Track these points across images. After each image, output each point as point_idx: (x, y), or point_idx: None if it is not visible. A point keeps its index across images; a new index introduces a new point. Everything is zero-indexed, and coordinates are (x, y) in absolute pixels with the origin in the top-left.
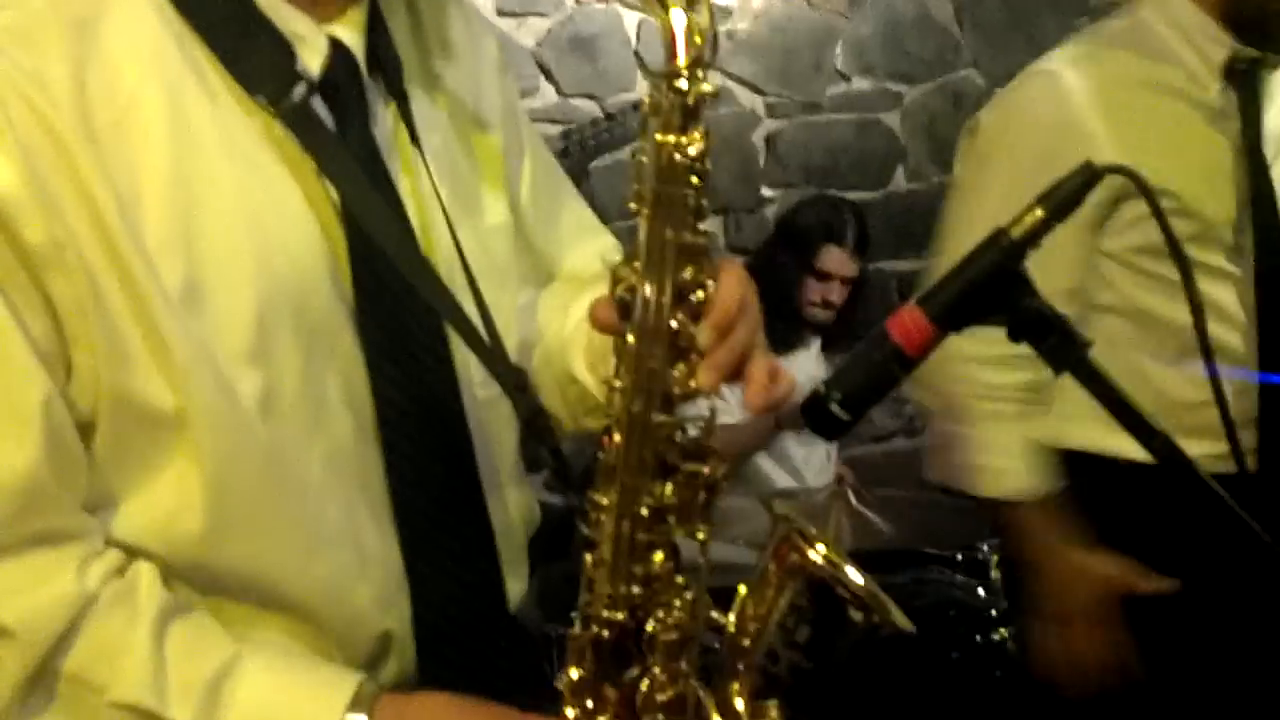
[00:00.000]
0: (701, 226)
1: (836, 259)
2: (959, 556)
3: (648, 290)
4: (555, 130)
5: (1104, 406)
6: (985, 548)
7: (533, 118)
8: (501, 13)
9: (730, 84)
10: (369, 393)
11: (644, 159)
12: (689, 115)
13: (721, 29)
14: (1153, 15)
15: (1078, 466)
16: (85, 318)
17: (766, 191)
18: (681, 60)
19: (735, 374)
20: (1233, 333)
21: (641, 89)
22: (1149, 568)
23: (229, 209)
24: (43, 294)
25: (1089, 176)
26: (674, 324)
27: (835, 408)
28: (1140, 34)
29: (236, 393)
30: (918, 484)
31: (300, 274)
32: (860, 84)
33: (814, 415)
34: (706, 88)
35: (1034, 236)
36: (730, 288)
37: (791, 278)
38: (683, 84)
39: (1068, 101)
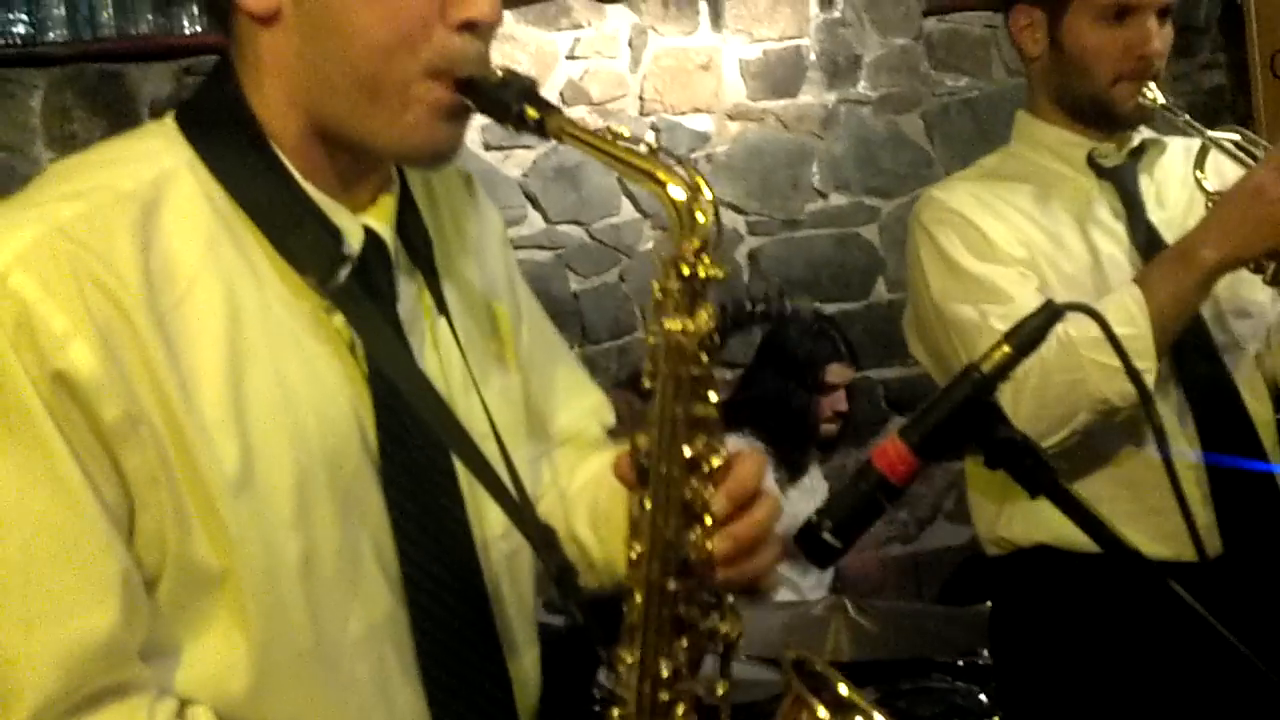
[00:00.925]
0: (712, 397)
1: (838, 371)
2: (960, 663)
3: (662, 464)
4: (544, 255)
5: (1076, 523)
6: (986, 653)
7: (520, 245)
8: (489, 147)
9: None
10: (395, 554)
11: (653, 341)
12: (696, 298)
13: (701, 153)
14: (1018, 145)
15: (1047, 562)
16: (155, 486)
17: (751, 307)
18: (687, 245)
19: (749, 551)
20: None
21: (625, 213)
22: (1114, 659)
23: (273, 387)
24: (116, 466)
25: (1051, 314)
26: (688, 492)
27: (827, 536)
28: (1009, 159)
29: (280, 558)
30: (915, 592)
31: (335, 444)
32: (838, 200)
33: (808, 544)
34: (713, 271)
35: (1002, 371)
36: (749, 466)
37: (803, 404)
38: (689, 269)
39: (942, 205)
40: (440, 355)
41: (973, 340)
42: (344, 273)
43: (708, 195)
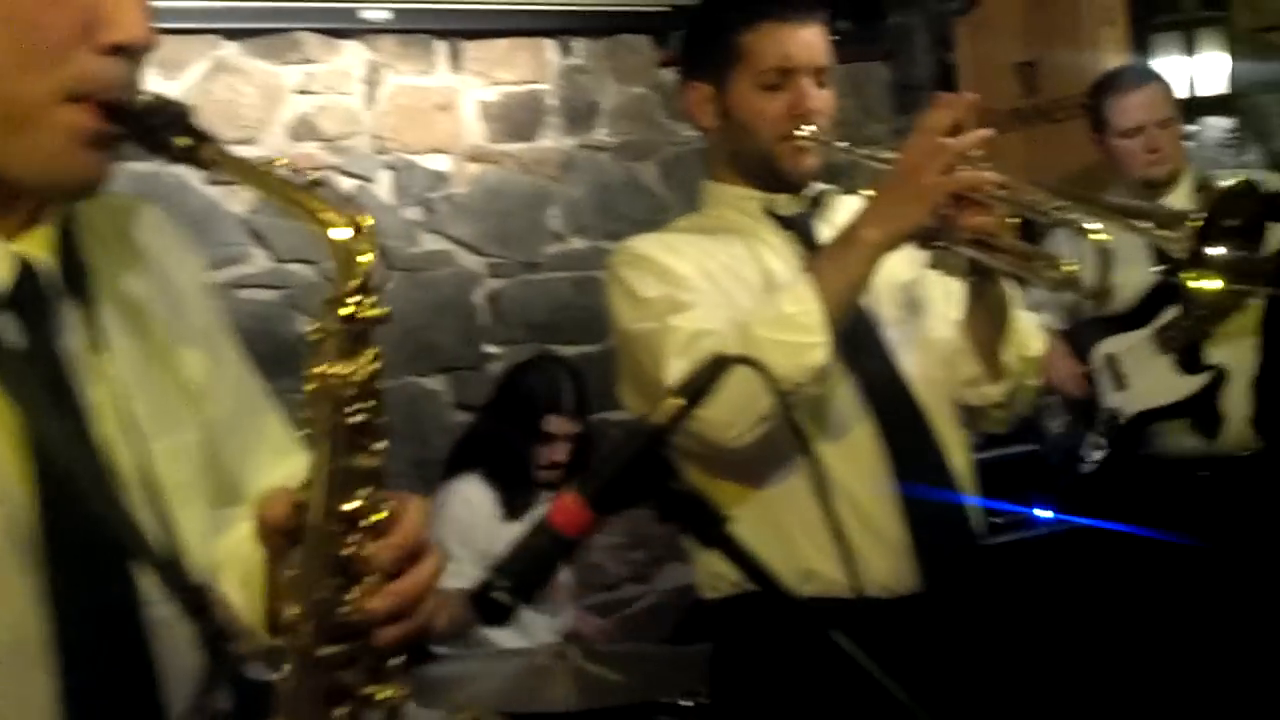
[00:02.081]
0: (376, 446)
1: (557, 423)
2: (687, 704)
3: (317, 518)
4: (269, 295)
5: (745, 574)
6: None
7: (243, 284)
8: (213, 181)
9: (450, 246)
10: (43, 620)
11: (313, 386)
12: (358, 340)
13: (439, 194)
14: (704, 209)
15: (756, 604)
16: None
17: (490, 349)
18: (348, 284)
19: (411, 606)
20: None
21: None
22: (823, 701)
23: None
24: None
25: (718, 366)
26: (347, 549)
27: (500, 595)
28: (697, 218)
29: None
30: (650, 632)
31: None
32: (577, 243)
33: (483, 606)
34: (374, 312)
35: (674, 423)
36: (415, 517)
37: (521, 449)
38: (350, 310)
39: (630, 251)
40: (104, 396)
41: (657, 346)
42: None
43: (369, 232)
